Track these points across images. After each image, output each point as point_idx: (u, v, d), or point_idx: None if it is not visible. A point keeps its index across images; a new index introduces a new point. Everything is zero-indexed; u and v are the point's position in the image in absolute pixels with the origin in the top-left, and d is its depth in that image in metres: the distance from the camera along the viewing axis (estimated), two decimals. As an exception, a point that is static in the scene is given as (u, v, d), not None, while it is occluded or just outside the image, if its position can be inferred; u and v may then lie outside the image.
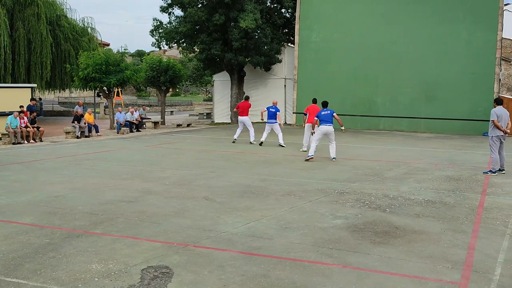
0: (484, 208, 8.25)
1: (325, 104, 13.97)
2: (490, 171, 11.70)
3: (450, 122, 22.97)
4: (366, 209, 8.09)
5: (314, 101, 15.88)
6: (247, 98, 18.40)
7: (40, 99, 34.45)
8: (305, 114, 15.83)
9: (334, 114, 13.71)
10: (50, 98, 46.97)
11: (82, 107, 22.74)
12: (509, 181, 10.85)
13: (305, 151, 15.18)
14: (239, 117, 17.91)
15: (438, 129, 23.10)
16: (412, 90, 23.91)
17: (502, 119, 11.52)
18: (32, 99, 21.94)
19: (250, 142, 17.66)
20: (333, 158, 13.68)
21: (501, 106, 11.79)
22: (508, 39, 44.96)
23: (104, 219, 7.37)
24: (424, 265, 5.56)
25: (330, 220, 7.39)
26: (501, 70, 23.66)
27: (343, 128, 14.24)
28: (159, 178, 10.86)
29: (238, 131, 18.05)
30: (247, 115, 17.70)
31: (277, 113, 16.81)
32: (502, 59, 27.35)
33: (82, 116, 20.75)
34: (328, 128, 13.52)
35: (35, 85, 25.91)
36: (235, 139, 18.00)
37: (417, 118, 23.77)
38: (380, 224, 7.21)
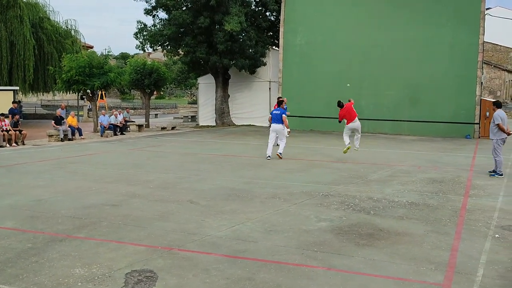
0: (467, 210, 8.34)
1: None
2: (497, 173, 11.71)
3: (433, 124, 23.17)
4: (351, 212, 8.13)
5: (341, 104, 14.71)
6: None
7: (20, 101, 34.02)
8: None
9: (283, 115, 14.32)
10: (33, 101, 46.36)
11: (65, 110, 22.49)
12: (491, 183, 10.99)
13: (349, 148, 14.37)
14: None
15: (421, 131, 23.29)
16: (396, 93, 24.07)
17: (504, 122, 11.62)
18: (14, 101, 21.67)
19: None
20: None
21: (501, 109, 11.86)
22: (489, 42, 45.59)
23: (88, 223, 7.30)
24: (408, 266, 5.61)
25: (315, 223, 7.41)
26: (483, 73, 23.97)
27: (288, 130, 14.77)
28: (143, 181, 10.79)
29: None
30: None
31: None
32: (484, 62, 27.73)
33: (62, 118, 20.48)
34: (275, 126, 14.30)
35: (17, 87, 25.63)
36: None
37: (401, 121, 23.96)
38: (365, 226, 7.25)
